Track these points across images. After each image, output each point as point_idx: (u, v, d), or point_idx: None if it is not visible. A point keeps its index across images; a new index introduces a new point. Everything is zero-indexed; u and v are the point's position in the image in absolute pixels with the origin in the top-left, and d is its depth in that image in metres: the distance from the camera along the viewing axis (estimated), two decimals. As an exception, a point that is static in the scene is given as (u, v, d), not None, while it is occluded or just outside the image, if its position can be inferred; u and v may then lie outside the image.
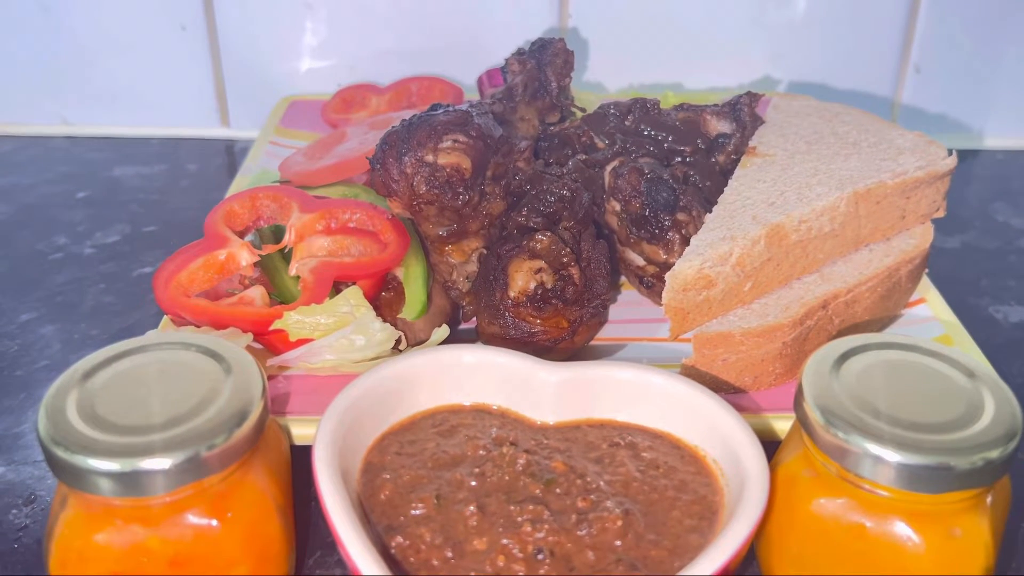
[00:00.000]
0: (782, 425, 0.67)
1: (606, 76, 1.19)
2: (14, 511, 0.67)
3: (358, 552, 0.50)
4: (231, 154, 1.20)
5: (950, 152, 0.82)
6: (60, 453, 0.51)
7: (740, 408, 0.64)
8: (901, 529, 0.53)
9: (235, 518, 0.54)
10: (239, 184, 0.95)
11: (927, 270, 0.83)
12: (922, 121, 1.20)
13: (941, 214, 0.83)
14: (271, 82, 1.19)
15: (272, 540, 0.56)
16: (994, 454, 0.51)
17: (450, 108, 0.80)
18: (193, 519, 0.53)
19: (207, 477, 0.53)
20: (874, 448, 0.52)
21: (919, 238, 0.80)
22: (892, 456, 0.52)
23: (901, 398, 0.56)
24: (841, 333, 0.75)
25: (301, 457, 0.61)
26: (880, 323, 0.78)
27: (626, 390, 0.63)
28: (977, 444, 0.52)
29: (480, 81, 1.07)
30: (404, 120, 0.79)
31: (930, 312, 0.80)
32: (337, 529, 0.51)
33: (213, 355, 0.58)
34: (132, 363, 0.57)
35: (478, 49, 1.15)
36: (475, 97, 1.10)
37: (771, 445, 0.61)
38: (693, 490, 0.58)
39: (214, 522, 0.54)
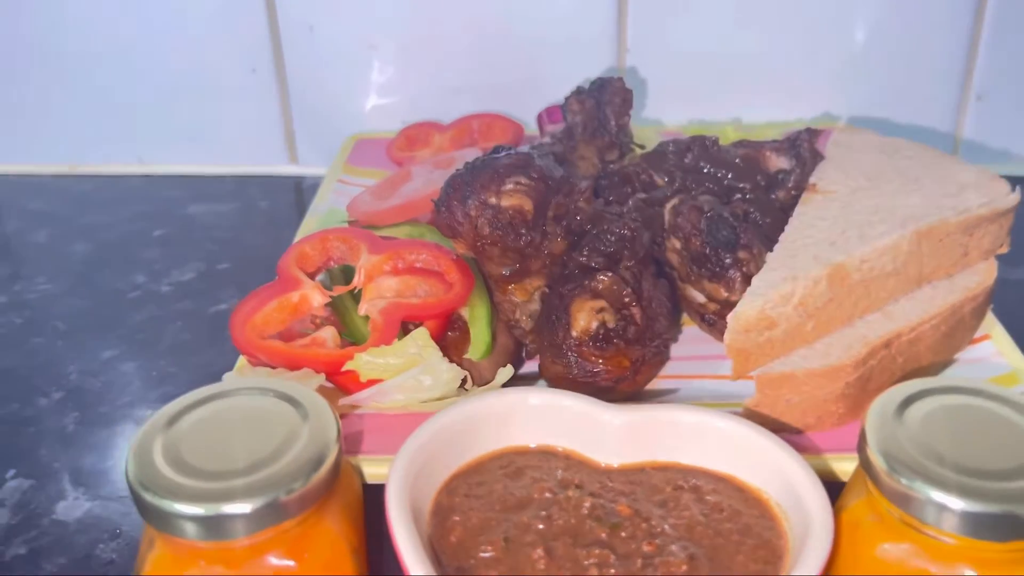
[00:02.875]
0: (844, 467, 0.67)
1: (665, 112, 1.20)
2: (101, 545, 0.70)
3: (431, 596, 0.51)
4: (299, 191, 1.23)
5: (1013, 188, 0.81)
6: (148, 497, 0.54)
7: (802, 449, 0.65)
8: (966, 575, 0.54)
9: (311, 559, 0.56)
10: (308, 223, 0.98)
11: (991, 306, 0.82)
12: (985, 153, 1.19)
13: (1004, 250, 0.83)
14: (337, 120, 1.23)
15: (346, 579, 0.59)
16: (1061, 503, 0.51)
17: (512, 151, 0.82)
18: (273, 560, 0.55)
19: (286, 521, 0.55)
20: (938, 496, 0.52)
21: (983, 275, 0.80)
22: (957, 504, 0.52)
23: (966, 444, 0.56)
24: (904, 371, 0.75)
25: (372, 495, 0.63)
26: (944, 362, 0.78)
27: (689, 433, 0.64)
28: (1044, 492, 0.52)
29: (540, 118, 1.09)
30: (468, 163, 0.82)
31: (995, 349, 0.79)
32: (410, 571, 0.53)
33: (290, 400, 0.60)
34: (213, 409, 0.60)
35: (538, 86, 1.17)
36: (535, 134, 1.12)
37: (833, 486, 0.62)
38: (757, 534, 0.59)
39: (292, 563, 0.56)
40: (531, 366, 0.83)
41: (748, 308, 0.71)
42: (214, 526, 0.53)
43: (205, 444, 0.57)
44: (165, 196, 1.22)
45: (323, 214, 0.99)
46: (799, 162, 0.89)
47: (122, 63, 1.21)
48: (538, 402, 0.66)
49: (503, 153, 0.82)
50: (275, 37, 1.19)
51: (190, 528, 0.53)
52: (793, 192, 0.87)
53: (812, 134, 0.90)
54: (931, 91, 1.17)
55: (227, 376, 0.74)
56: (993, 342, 0.80)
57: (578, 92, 0.98)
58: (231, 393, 0.61)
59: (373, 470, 0.68)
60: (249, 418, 0.59)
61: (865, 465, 0.57)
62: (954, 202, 0.80)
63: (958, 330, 0.78)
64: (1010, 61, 1.15)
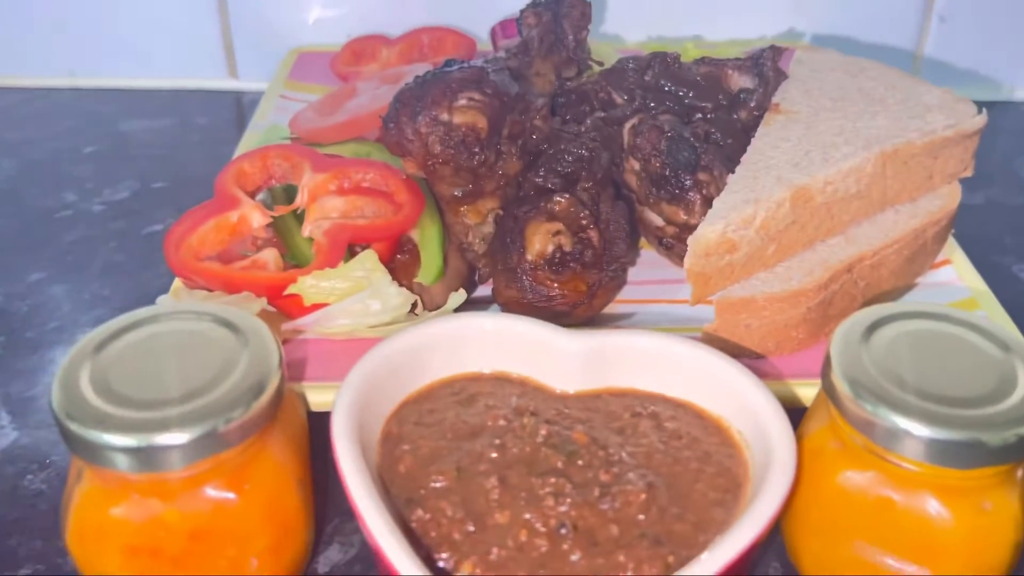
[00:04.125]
0: (806, 392, 0.66)
1: (624, 27, 1.16)
2: (29, 476, 0.67)
3: (379, 528, 0.49)
4: (240, 107, 1.18)
5: (980, 110, 0.79)
6: (75, 428, 0.50)
7: (762, 374, 0.63)
8: (930, 503, 0.52)
9: (253, 490, 0.54)
10: (249, 140, 0.93)
11: (953, 231, 0.81)
12: (947, 74, 1.17)
13: (968, 173, 0.81)
14: (279, 32, 1.17)
15: (291, 511, 0.56)
16: (1027, 430, 0.50)
17: (465, 65, 0.78)
18: (211, 492, 0.52)
19: (225, 451, 0.52)
20: (903, 422, 0.51)
21: (946, 198, 0.79)
22: (922, 431, 0.51)
23: (932, 370, 0.54)
24: (866, 296, 0.74)
25: (317, 423, 0.61)
26: (905, 287, 0.77)
27: (648, 358, 0.62)
28: (1009, 419, 0.51)
29: (493, 32, 1.05)
30: (417, 77, 0.77)
31: (956, 274, 0.78)
32: (357, 505, 0.50)
33: (228, 325, 0.57)
34: (145, 334, 0.56)
35: (492, -1, 1.12)
36: (488, 49, 1.07)
37: (794, 412, 0.60)
38: (717, 462, 0.57)
39: (232, 495, 0.53)
40: (485, 291, 0.80)
41: (709, 231, 0.69)
42: (147, 458, 0.50)
43: (137, 371, 0.54)
44: (97, 111, 1.16)
45: (263, 130, 0.95)
46: (762, 81, 0.85)
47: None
48: (492, 327, 0.63)
49: (455, 67, 0.78)
50: (213, -59, 1.12)
51: (121, 460, 0.50)
52: (756, 112, 0.84)
53: (776, 52, 0.86)
54: (894, 9, 1.14)
55: (161, 299, 0.70)
56: (954, 267, 0.79)
57: (534, 4, 0.93)
58: (165, 317, 0.57)
59: (318, 398, 0.65)
60: (184, 344, 0.56)
61: (829, 391, 0.55)
62: (919, 124, 0.78)
63: (920, 255, 0.77)
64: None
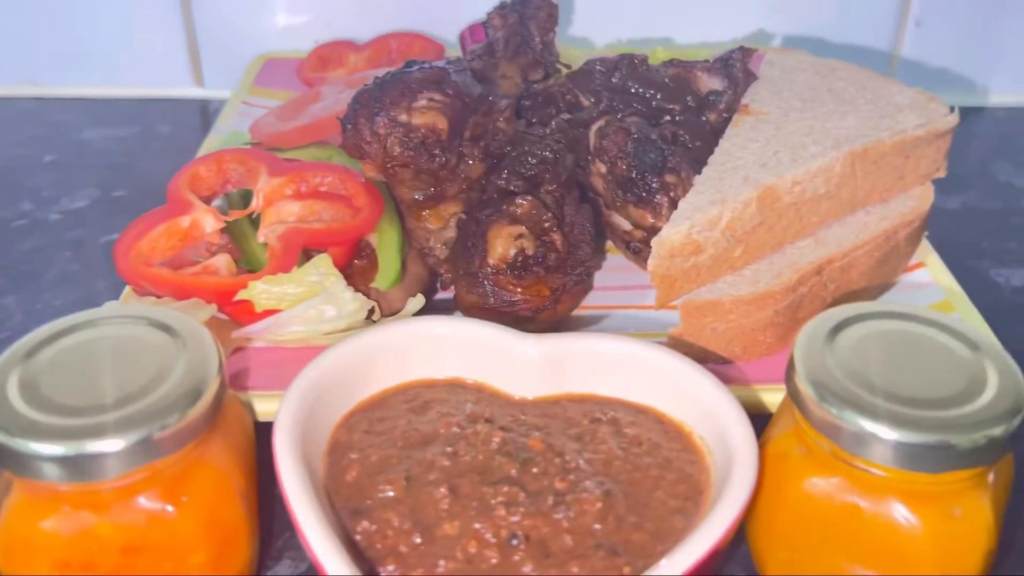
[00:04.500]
0: (772, 398, 0.63)
1: (592, 30, 1.14)
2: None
3: (317, 539, 0.47)
4: (205, 115, 1.15)
5: (951, 109, 0.78)
6: (0, 437, 0.48)
7: (728, 380, 0.61)
8: (898, 510, 0.50)
9: (192, 502, 0.51)
10: (209, 146, 0.91)
11: (926, 233, 0.79)
12: (923, 77, 1.15)
13: (941, 174, 0.79)
14: (247, 39, 1.14)
15: (232, 524, 0.53)
16: (997, 431, 0.48)
17: (426, 65, 0.76)
18: (146, 503, 0.50)
19: (160, 459, 0.49)
20: (869, 425, 0.49)
21: (918, 200, 0.77)
22: (888, 434, 0.49)
23: (899, 372, 0.52)
24: (836, 300, 0.72)
25: (267, 435, 0.58)
26: (877, 289, 0.75)
27: (609, 363, 0.60)
28: (979, 421, 0.49)
29: (462, 37, 1.03)
30: (376, 78, 0.75)
31: (930, 277, 0.76)
32: (296, 514, 0.48)
33: (166, 329, 0.54)
34: (79, 339, 0.54)
35: (461, 3, 1.10)
36: (457, 54, 1.06)
37: (760, 419, 0.58)
38: (678, 468, 0.55)
39: (169, 507, 0.50)
40: (446, 297, 0.78)
41: (673, 232, 0.67)
42: (77, 467, 0.48)
43: (68, 378, 0.51)
44: (58, 120, 1.13)
45: (225, 136, 0.92)
46: (731, 83, 0.84)
47: (9, -27, 1.11)
48: (447, 332, 0.61)
49: (416, 67, 0.76)
50: (178, -55, 1.10)
51: (50, 470, 0.48)
52: (725, 114, 0.82)
53: (745, 53, 0.85)
54: (868, 11, 1.13)
55: (107, 306, 0.67)
56: (928, 270, 0.77)
57: (500, 6, 0.91)
58: (99, 322, 0.55)
59: (266, 407, 0.62)
60: (120, 349, 0.53)
61: (793, 394, 0.53)
62: (890, 123, 0.76)
63: (892, 257, 0.75)
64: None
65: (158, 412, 0.49)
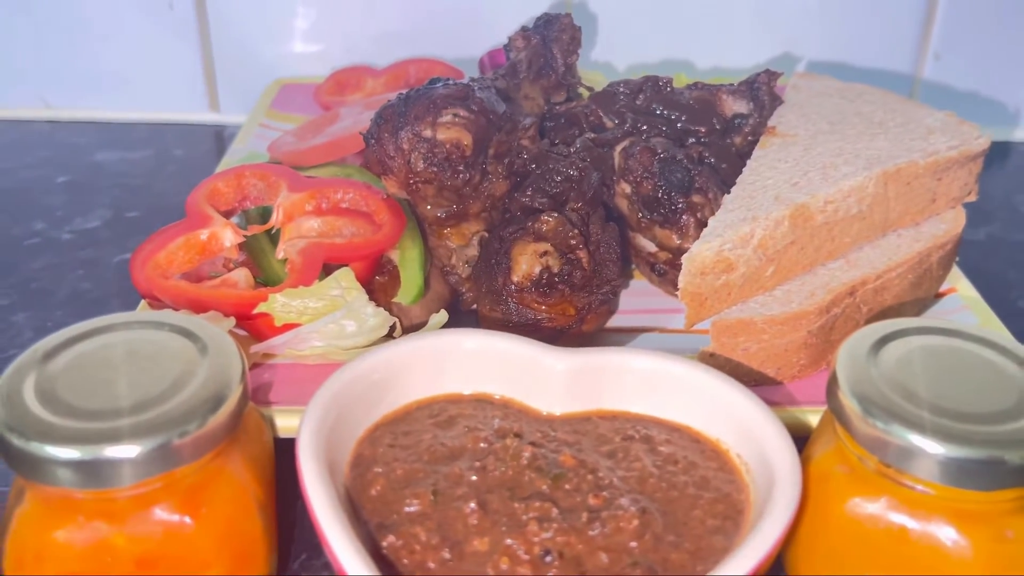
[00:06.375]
0: (809, 419, 0.61)
1: (615, 54, 1.13)
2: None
3: (345, 552, 0.44)
4: (220, 139, 1.14)
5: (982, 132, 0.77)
6: (14, 440, 0.46)
7: (764, 401, 0.59)
8: (946, 531, 0.48)
9: (209, 514, 0.49)
10: (226, 166, 0.90)
11: (957, 258, 0.78)
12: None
13: (973, 198, 0.78)
14: (263, 65, 1.14)
15: (250, 539, 0.51)
16: (1054, 448, 0.46)
17: (450, 82, 0.75)
18: (163, 515, 0.48)
19: (179, 467, 0.47)
20: (917, 439, 0.47)
21: (950, 223, 0.75)
22: (937, 448, 0.47)
23: (946, 387, 0.50)
24: (869, 322, 0.70)
25: (287, 452, 0.56)
26: (910, 312, 0.73)
27: (641, 379, 0.58)
28: (1033, 437, 0.47)
29: (482, 63, 1.02)
30: (401, 94, 0.75)
31: (962, 302, 0.75)
32: (322, 527, 0.46)
33: (187, 335, 0.53)
34: (98, 343, 0.52)
35: (481, 30, 1.10)
36: (477, 80, 1.05)
37: (798, 441, 0.56)
38: (716, 487, 0.53)
39: (187, 518, 0.48)
40: (470, 317, 0.76)
41: (705, 249, 0.65)
42: (93, 472, 0.46)
43: (86, 382, 0.49)
44: (72, 142, 1.12)
45: (242, 157, 0.91)
46: (757, 106, 0.83)
47: (27, -4, 1.11)
48: (473, 346, 0.59)
49: (440, 84, 0.75)
50: (195, -31, 1.10)
51: (64, 475, 0.46)
52: (750, 137, 0.81)
53: (771, 76, 0.84)
54: (889, 41, 1.12)
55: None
56: (960, 295, 0.75)
57: (523, 29, 0.91)
58: (119, 326, 0.53)
59: (287, 423, 0.60)
60: (139, 354, 0.52)
61: (836, 410, 0.51)
62: (922, 144, 0.75)
63: (925, 280, 0.73)
64: (968, 17, 1.11)
65: (178, 418, 0.47)
